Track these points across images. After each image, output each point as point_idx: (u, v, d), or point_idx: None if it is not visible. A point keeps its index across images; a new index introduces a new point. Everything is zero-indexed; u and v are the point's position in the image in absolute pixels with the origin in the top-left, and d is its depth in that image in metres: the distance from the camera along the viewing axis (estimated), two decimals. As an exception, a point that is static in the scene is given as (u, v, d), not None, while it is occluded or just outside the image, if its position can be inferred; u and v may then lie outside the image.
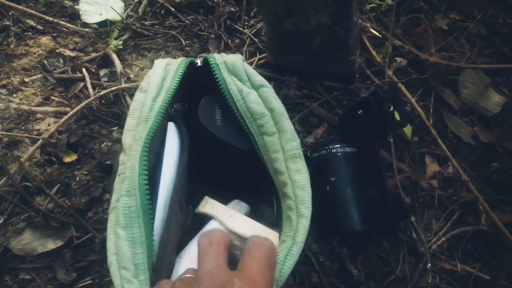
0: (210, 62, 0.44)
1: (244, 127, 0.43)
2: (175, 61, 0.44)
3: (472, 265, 0.61)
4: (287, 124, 0.41)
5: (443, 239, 0.61)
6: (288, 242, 0.35)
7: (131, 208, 0.35)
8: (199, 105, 0.47)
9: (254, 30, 0.71)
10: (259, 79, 0.44)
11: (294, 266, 0.36)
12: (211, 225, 0.41)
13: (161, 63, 0.44)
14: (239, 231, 0.40)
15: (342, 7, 0.55)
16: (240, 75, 0.43)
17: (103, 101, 0.61)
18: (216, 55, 0.45)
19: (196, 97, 0.47)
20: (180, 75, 0.43)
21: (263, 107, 0.42)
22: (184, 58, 0.45)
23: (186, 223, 0.45)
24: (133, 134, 0.39)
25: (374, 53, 0.69)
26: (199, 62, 0.46)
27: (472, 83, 0.73)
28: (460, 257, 0.61)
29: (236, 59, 0.44)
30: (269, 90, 0.43)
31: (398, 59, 0.72)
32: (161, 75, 0.42)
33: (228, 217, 0.41)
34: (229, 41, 0.70)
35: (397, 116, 0.56)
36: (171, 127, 0.45)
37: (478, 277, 0.60)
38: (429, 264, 0.59)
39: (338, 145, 0.56)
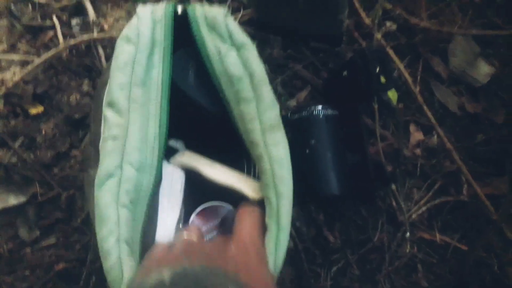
0: (189, 16, 0.40)
1: (220, 92, 0.40)
2: (158, 8, 0.40)
3: (451, 236, 0.60)
4: (266, 91, 0.38)
5: (423, 208, 0.60)
6: (273, 229, 0.33)
7: (142, 186, 0.34)
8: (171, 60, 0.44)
9: (239, -15, 0.67)
10: (241, 37, 0.40)
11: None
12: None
13: (145, 11, 0.39)
14: (218, 179, 0.39)
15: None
16: (220, 32, 0.39)
17: (74, 51, 0.57)
18: (197, 7, 0.41)
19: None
20: (171, 26, 0.39)
21: (242, 70, 0.38)
22: (166, 3, 0.40)
23: None
24: (127, 95, 0.35)
25: (363, 15, 0.66)
26: (179, 10, 0.41)
27: (462, 51, 0.71)
28: (439, 227, 0.60)
29: (218, 13, 0.40)
30: (251, 51, 0.39)
31: (388, 22, 0.69)
32: (150, 27, 0.38)
33: (207, 166, 0.40)
34: (212, -4, 0.66)
35: (383, 79, 0.53)
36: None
37: (456, 247, 0.59)
38: (408, 234, 0.58)
39: (320, 107, 0.54)
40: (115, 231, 0.31)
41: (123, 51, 0.36)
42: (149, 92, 0.37)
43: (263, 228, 0.34)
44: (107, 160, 0.32)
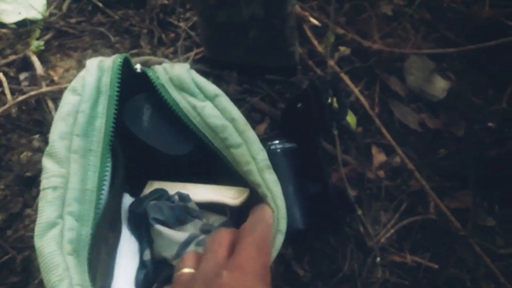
0: (153, 82, 0.40)
1: (207, 143, 0.40)
2: (107, 58, 0.40)
3: (421, 256, 0.59)
4: (252, 134, 0.39)
5: (392, 231, 0.60)
6: None
7: (82, 236, 0.33)
8: (125, 105, 0.43)
9: (190, 23, 0.67)
10: (212, 88, 0.40)
11: None
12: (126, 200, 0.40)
13: (93, 62, 0.39)
14: (194, 198, 0.39)
15: (274, -2, 0.52)
16: (190, 89, 0.40)
17: (23, 107, 0.56)
18: (158, 70, 0.41)
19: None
20: (118, 75, 0.39)
21: (223, 119, 0.39)
22: (117, 55, 0.41)
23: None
24: (68, 145, 0.35)
25: (315, 43, 0.67)
26: (138, 68, 0.41)
27: (417, 69, 0.72)
28: (409, 248, 0.60)
29: (181, 72, 0.40)
30: (225, 99, 0.40)
31: (342, 48, 0.70)
32: (96, 76, 0.38)
33: (179, 189, 0.40)
34: (163, 36, 0.66)
35: (336, 106, 0.54)
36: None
37: (428, 267, 0.59)
38: (378, 258, 0.58)
39: (277, 141, 0.54)
40: (66, 276, 0.30)
41: (67, 102, 0.36)
42: (91, 143, 0.36)
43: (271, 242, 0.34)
44: (48, 210, 0.32)
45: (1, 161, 0.53)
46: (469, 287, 0.59)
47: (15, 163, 0.53)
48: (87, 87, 0.37)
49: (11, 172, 0.52)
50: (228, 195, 0.39)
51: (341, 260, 0.56)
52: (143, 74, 0.41)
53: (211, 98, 0.40)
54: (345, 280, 0.56)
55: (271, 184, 0.38)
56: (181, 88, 0.40)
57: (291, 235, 0.56)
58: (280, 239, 0.36)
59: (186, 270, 0.31)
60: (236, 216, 0.41)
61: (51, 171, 0.34)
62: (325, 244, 0.57)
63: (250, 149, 0.39)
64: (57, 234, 0.31)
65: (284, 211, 0.37)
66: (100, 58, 0.40)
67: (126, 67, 0.40)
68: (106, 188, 0.37)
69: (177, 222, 0.40)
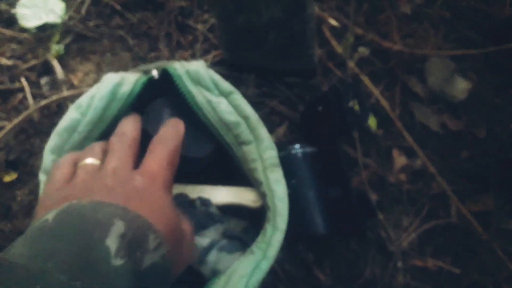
0: (172, 74, 0.40)
1: (220, 138, 0.41)
2: (128, 79, 0.39)
3: (443, 260, 0.59)
4: (264, 132, 0.40)
5: (413, 235, 0.59)
6: (257, 255, 0.34)
7: None
8: (144, 112, 0.43)
9: (208, 26, 0.67)
10: (226, 85, 0.41)
11: (263, 279, 0.35)
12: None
13: (109, 82, 0.38)
14: (214, 201, 0.40)
15: (294, 1, 0.52)
16: (206, 84, 0.40)
17: (45, 112, 0.56)
18: (176, 64, 0.41)
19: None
20: (130, 103, 0.39)
21: (237, 116, 0.40)
22: (139, 75, 0.40)
23: None
24: (55, 160, 0.36)
25: (335, 44, 0.66)
26: (155, 73, 0.41)
27: (437, 70, 0.70)
28: (431, 252, 0.59)
29: (199, 66, 0.41)
30: (239, 97, 0.41)
31: (361, 48, 0.69)
32: (105, 101, 0.37)
33: (201, 192, 0.41)
34: (182, 39, 0.65)
35: (357, 108, 0.53)
36: None
37: (450, 272, 0.58)
38: (400, 263, 0.57)
39: (297, 146, 0.53)
40: None
41: (68, 117, 0.37)
42: None
43: (177, 161, 0.34)
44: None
45: (25, 166, 0.53)
46: (491, 292, 0.58)
47: (38, 168, 0.53)
48: (92, 110, 0.37)
49: (36, 177, 0.52)
50: (248, 198, 0.40)
51: (362, 265, 0.56)
52: (159, 81, 0.41)
53: (226, 95, 0.40)
54: (367, 285, 0.56)
55: (272, 182, 0.38)
56: (198, 81, 0.40)
57: (312, 240, 0.56)
58: (278, 236, 0.36)
59: (91, 160, 0.31)
60: (256, 219, 0.42)
61: (42, 186, 0.36)
62: (347, 249, 0.57)
63: (259, 147, 0.39)
64: None
65: (282, 210, 0.37)
66: (119, 77, 0.39)
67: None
68: None
69: (199, 227, 0.40)
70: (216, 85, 0.40)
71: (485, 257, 0.59)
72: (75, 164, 0.31)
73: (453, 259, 0.59)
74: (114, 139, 0.33)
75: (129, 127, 0.34)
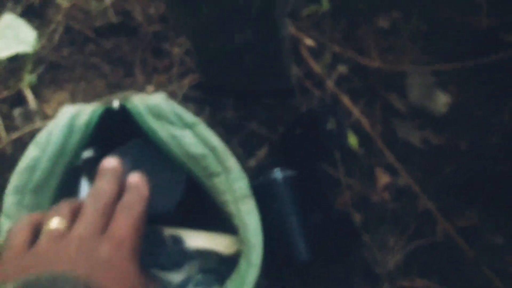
0: (131, 111, 0.39)
1: (188, 172, 0.41)
2: (85, 110, 0.39)
3: (430, 280, 0.58)
4: (232, 162, 0.39)
5: (399, 255, 0.58)
6: None
7: None
8: (116, 152, 0.42)
9: (184, 49, 0.66)
10: (190, 117, 0.40)
11: None
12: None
13: (65, 115, 0.38)
14: (194, 246, 0.39)
15: (265, 25, 0.51)
16: (168, 117, 0.39)
17: (18, 144, 0.55)
18: (136, 99, 0.40)
19: (112, 139, 0.42)
20: (89, 134, 0.39)
21: (203, 147, 0.39)
22: (97, 105, 0.40)
23: None
24: (21, 200, 0.35)
25: (312, 63, 0.66)
26: (116, 105, 0.41)
27: (417, 85, 0.70)
28: (418, 272, 0.58)
29: (159, 100, 0.40)
30: (204, 128, 0.40)
31: (340, 66, 0.68)
32: (64, 133, 0.37)
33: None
34: (158, 63, 0.64)
35: (333, 127, 0.53)
36: (84, 186, 0.40)
37: (438, 291, 0.57)
38: (386, 284, 0.56)
39: (277, 170, 0.52)
40: None
41: (27, 155, 0.36)
42: (42, 200, 0.36)
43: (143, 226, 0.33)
44: None
45: (-2, 202, 0.51)
46: (480, 310, 0.57)
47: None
48: (50, 145, 0.36)
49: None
50: (221, 244, 0.38)
51: (349, 290, 0.55)
52: (120, 112, 0.40)
53: (190, 126, 0.40)
54: (354, 310, 0.55)
55: (244, 214, 0.37)
56: (159, 116, 0.39)
57: (296, 267, 0.54)
58: (253, 272, 0.35)
59: (57, 222, 0.29)
60: (229, 264, 0.40)
61: (2, 228, 0.35)
62: (332, 274, 0.55)
63: (228, 178, 0.38)
64: None
65: (256, 243, 0.36)
66: (76, 109, 0.38)
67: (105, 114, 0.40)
68: None
69: (172, 265, 0.38)
70: (179, 118, 0.39)
71: (472, 274, 0.58)
72: (37, 227, 0.30)
73: (440, 277, 0.58)
74: (88, 201, 0.31)
75: (106, 186, 0.33)
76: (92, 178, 0.39)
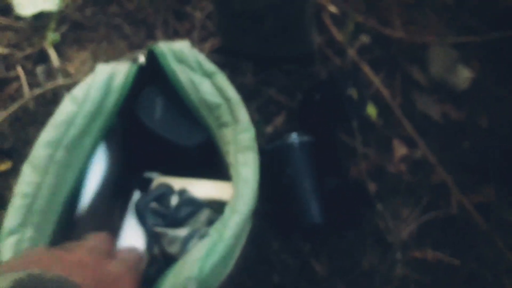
0: (156, 52, 0.40)
1: (200, 119, 0.41)
2: (120, 69, 0.39)
3: (442, 252, 0.58)
4: (243, 113, 0.39)
5: (413, 226, 0.58)
6: (213, 237, 0.33)
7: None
8: (137, 98, 0.43)
9: (206, 12, 0.66)
10: (210, 66, 0.40)
11: (230, 267, 0.34)
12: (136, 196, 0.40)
13: (102, 74, 0.38)
14: (202, 195, 0.40)
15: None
16: (189, 64, 0.40)
17: (40, 100, 0.56)
18: (161, 44, 0.41)
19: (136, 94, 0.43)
20: (125, 96, 0.39)
21: (218, 97, 0.39)
22: (131, 64, 0.40)
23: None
24: (50, 155, 0.35)
25: (334, 31, 0.65)
26: (142, 59, 0.41)
27: (440, 58, 0.69)
28: (430, 243, 0.58)
29: (183, 46, 0.40)
30: (222, 78, 0.40)
31: (362, 36, 0.67)
32: (102, 91, 0.37)
33: (186, 185, 0.40)
34: (179, 26, 0.64)
35: (355, 96, 0.52)
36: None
37: (449, 263, 0.57)
38: (398, 254, 0.57)
39: (294, 134, 0.53)
40: None
41: (63, 110, 0.36)
42: (75, 158, 0.36)
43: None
44: (12, 216, 0.32)
45: (20, 155, 0.53)
46: (490, 283, 0.57)
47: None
48: (88, 101, 0.36)
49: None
50: (230, 193, 0.38)
51: (359, 256, 0.55)
52: (147, 69, 0.41)
53: (209, 75, 0.40)
54: (364, 276, 0.55)
55: (239, 164, 0.37)
56: (182, 60, 0.40)
57: (308, 230, 0.55)
58: (236, 218, 0.34)
59: None
60: None
61: (26, 178, 0.34)
62: (343, 239, 0.56)
63: (236, 129, 0.38)
64: (14, 243, 0.32)
65: (244, 193, 0.35)
66: (111, 68, 0.39)
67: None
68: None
69: (178, 222, 0.39)
70: (200, 65, 0.40)
71: (484, 248, 0.58)
72: None
73: (452, 250, 0.58)
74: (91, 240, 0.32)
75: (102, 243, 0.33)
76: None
